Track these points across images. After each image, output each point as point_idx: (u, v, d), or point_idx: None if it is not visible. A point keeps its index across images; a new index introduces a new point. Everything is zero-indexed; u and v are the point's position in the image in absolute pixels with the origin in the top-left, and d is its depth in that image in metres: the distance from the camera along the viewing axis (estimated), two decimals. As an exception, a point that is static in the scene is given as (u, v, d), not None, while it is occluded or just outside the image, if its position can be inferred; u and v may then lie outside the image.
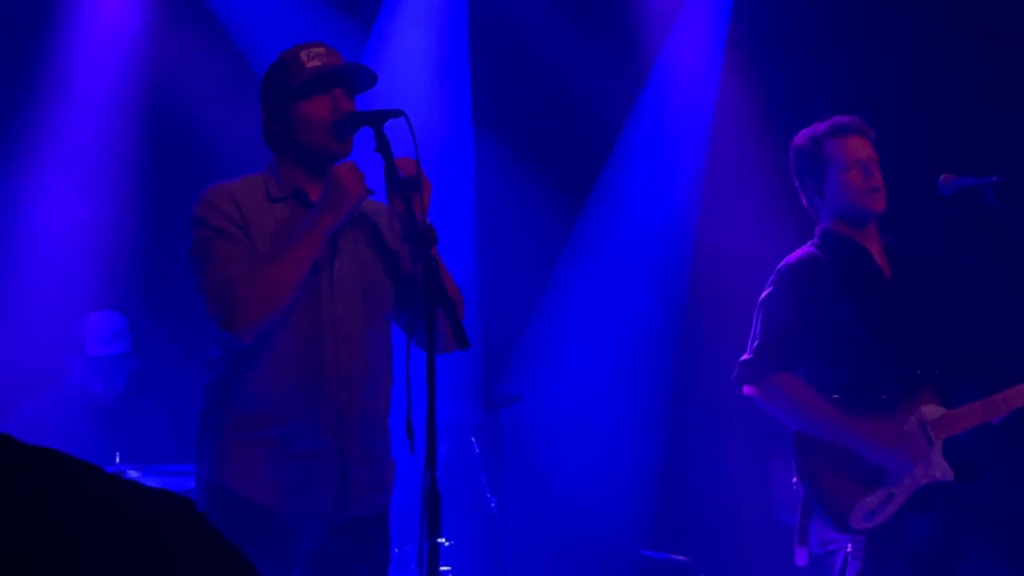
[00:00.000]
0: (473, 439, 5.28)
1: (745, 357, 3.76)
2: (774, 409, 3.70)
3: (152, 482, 3.77)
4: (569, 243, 6.25)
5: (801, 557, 3.65)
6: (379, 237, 3.06)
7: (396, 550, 4.51)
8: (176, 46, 5.51)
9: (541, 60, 6.09)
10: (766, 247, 5.81)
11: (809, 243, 3.82)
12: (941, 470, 3.61)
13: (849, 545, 3.60)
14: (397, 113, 2.87)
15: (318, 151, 2.97)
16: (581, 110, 6.13)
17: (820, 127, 3.84)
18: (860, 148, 3.77)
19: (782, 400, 3.67)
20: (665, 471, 6.04)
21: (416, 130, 2.82)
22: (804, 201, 3.88)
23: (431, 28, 6.00)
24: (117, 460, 4.42)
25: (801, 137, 3.86)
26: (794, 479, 3.71)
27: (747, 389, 3.76)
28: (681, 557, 5.37)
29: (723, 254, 5.96)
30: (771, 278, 3.78)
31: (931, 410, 3.66)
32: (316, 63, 3.00)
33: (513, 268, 6.15)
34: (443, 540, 4.67)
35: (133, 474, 4.22)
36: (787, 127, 5.93)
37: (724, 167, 6.06)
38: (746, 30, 5.99)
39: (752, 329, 3.76)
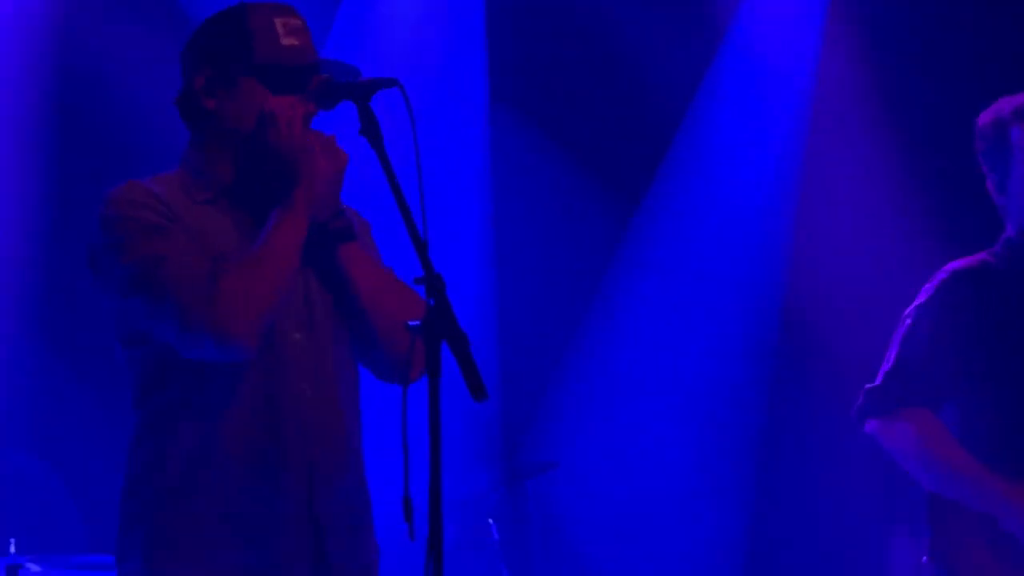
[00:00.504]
0: (491, 520, 5.34)
1: (873, 384, 3.79)
2: (900, 454, 3.72)
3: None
4: (616, 260, 6.33)
5: None
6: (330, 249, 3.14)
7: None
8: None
9: (577, 16, 6.16)
10: (887, 261, 5.89)
11: (986, 251, 3.85)
12: None
13: None
14: (389, 82, 2.91)
15: (278, 152, 3.00)
16: (633, 83, 6.19)
17: (1006, 106, 3.84)
18: None
19: (910, 444, 3.70)
20: (750, 557, 6.08)
21: (415, 105, 2.87)
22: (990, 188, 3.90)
23: None
24: (12, 550, 4.42)
25: (985, 116, 3.87)
26: (924, 558, 3.74)
27: (870, 425, 3.78)
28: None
29: (829, 273, 6.02)
30: (926, 287, 3.81)
31: None
32: (294, 41, 3.05)
33: (541, 293, 6.21)
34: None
35: (34, 568, 4.22)
36: (914, 98, 5.97)
37: (827, 156, 6.12)
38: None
39: (888, 350, 3.79)
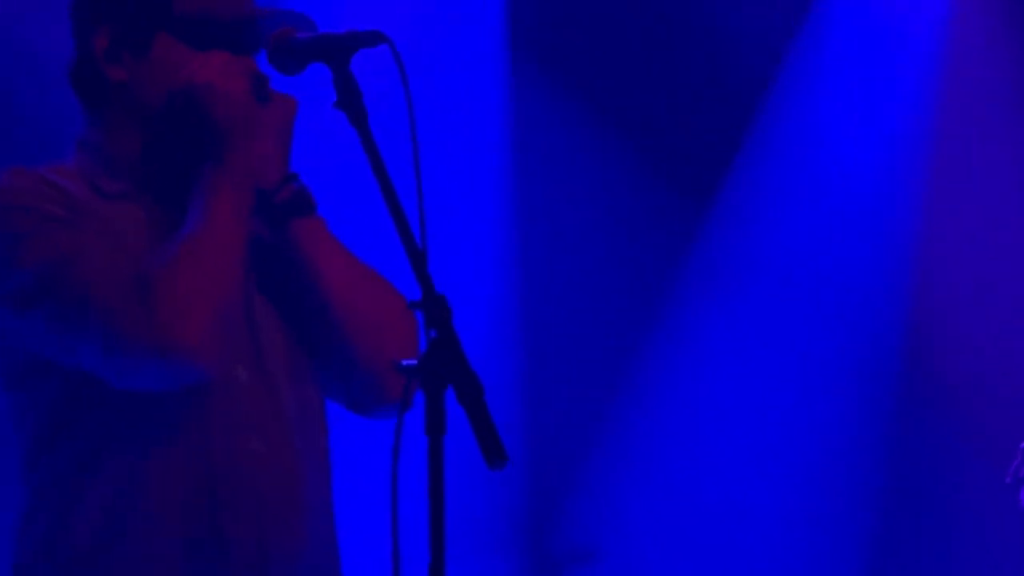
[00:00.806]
0: None
1: None
2: None
3: None
4: (677, 276, 6.37)
5: None
6: (275, 255, 3.15)
7: None
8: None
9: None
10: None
11: None
12: None
13: None
14: (374, 38, 2.93)
15: (214, 131, 2.99)
16: (701, 45, 6.26)
17: None
18: None
19: None
20: None
21: (408, 66, 2.88)
22: None
23: None
24: None
25: None
26: None
27: None
28: None
29: (963, 284, 6.07)
30: None
31: None
32: None
33: (578, 320, 6.25)
34: None
35: None
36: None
37: (960, 138, 6.17)
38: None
39: None
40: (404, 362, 2.78)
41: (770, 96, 6.33)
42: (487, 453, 2.69)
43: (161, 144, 3.06)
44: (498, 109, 6.17)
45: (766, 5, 6.27)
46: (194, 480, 2.98)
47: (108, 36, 3.06)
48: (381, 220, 3.00)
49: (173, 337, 2.86)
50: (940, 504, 6.06)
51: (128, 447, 2.96)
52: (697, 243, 6.36)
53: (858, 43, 6.29)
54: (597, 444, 6.30)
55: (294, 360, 3.12)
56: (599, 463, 6.29)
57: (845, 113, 6.27)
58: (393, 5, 5.82)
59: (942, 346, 6.10)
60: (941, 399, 6.07)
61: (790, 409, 6.23)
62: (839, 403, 6.22)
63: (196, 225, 2.95)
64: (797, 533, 6.21)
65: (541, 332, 6.18)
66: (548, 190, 6.22)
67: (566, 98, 6.23)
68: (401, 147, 2.99)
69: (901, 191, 6.21)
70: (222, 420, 3.00)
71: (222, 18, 3.05)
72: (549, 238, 6.22)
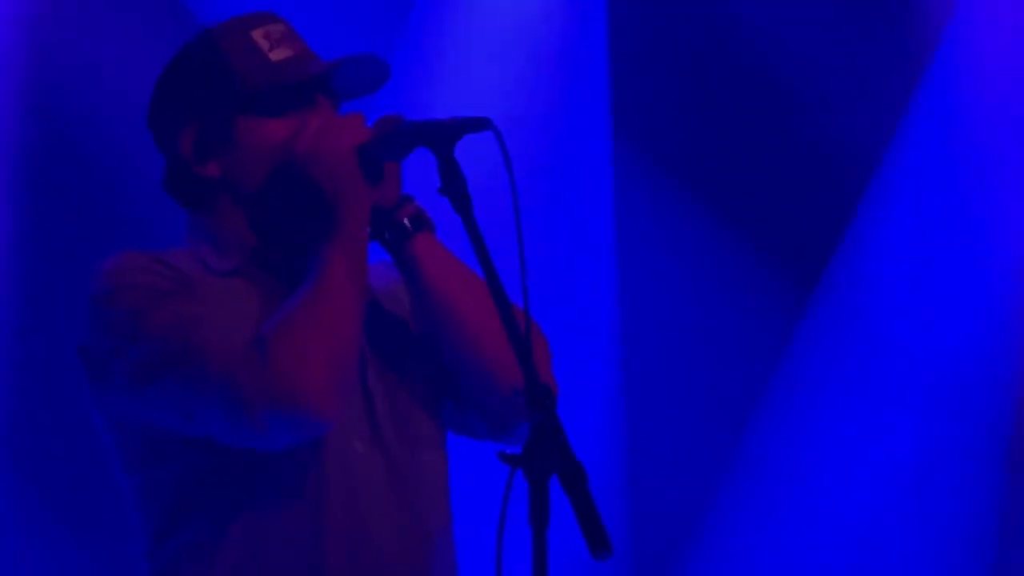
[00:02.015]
0: None
1: None
2: None
3: None
4: (782, 359, 6.35)
5: None
6: (398, 323, 3.20)
7: None
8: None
9: (732, 37, 6.25)
10: None
11: None
12: None
13: None
14: (480, 124, 2.93)
15: (318, 168, 3.00)
16: (807, 124, 6.25)
17: None
18: None
19: None
20: None
21: (511, 151, 2.87)
22: None
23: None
24: None
25: None
26: None
27: None
28: None
29: None
30: None
31: None
32: (286, 53, 3.10)
33: (680, 402, 6.23)
34: None
35: None
36: None
37: None
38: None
39: None
40: (508, 451, 2.77)
41: (877, 178, 6.32)
42: (592, 543, 2.65)
43: (269, 220, 3.09)
44: (603, 192, 6.18)
45: (878, 86, 6.26)
46: (317, 552, 2.99)
47: (191, 138, 3.09)
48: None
49: (291, 388, 2.87)
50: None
51: (252, 523, 2.99)
52: (804, 323, 6.36)
53: (972, 118, 6.27)
54: (703, 529, 6.29)
55: (409, 426, 3.12)
56: (705, 550, 6.28)
57: (952, 197, 6.25)
58: (498, 86, 5.88)
59: None
60: None
61: (905, 487, 6.23)
62: (951, 483, 6.19)
63: (311, 286, 2.96)
64: None
65: (645, 416, 6.18)
66: (652, 272, 6.21)
67: (669, 181, 6.24)
68: (505, 227, 2.97)
69: (1012, 271, 6.21)
70: (339, 494, 3.01)
71: (290, 80, 3.06)
72: (653, 320, 6.22)
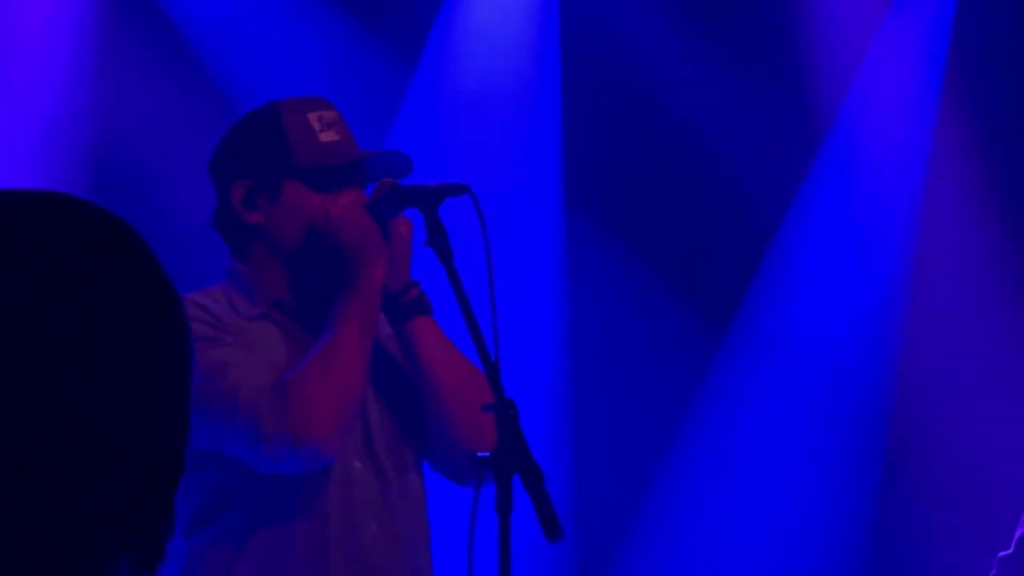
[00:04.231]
0: None
1: (1006, 553, 3.80)
2: None
3: None
4: (707, 383, 6.27)
5: None
6: (396, 365, 3.20)
7: None
8: (125, 68, 5.64)
9: (665, 114, 6.17)
10: (1009, 370, 5.84)
11: None
12: None
13: None
14: (460, 189, 3.02)
15: (347, 234, 3.05)
16: (724, 186, 6.18)
17: None
18: None
19: None
20: None
21: (486, 213, 2.98)
22: None
23: (505, 64, 6.11)
24: None
25: None
26: None
27: None
28: None
29: (946, 400, 5.96)
30: None
31: None
32: (334, 136, 3.14)
33: (624, 418, 6.16)
34: None
35: None
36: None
37: (942, 267, 6.09)
38: (970, 64, 6.05)
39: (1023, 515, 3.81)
40: (480, 455, 2.84)
41: (777, 236, 6.26)
42: (547, 529, 2.73)
43: (300, 271, 3.11)
44: (555, 251, 6.15)
45: (782, 154, 6.18)
46: (320, 553, 3.02)
47: (244, 188, 3.13)
48: (462, 337, 3.04)
49: (305, 434, 2.92)
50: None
51: (269, 526, 3.02)
52: (719, 359, 6.27)
53: (854, 191, 6.25)
54: (637, 521, 6.21)
55: (398, 452, 3.14)
56: (639, 539, 6.20)
57: (841, 254, 6.23)
58: (462, 162, 5.83)
59: (922, 462, 6.03)
60: (920, 508, 6.00)
61: (792, 499, 6.14)
62: (832, 495, 6.14)
63: (327, 341, 2.99)
64: None
65: (591, 426, 6.11)
66: (598, 302, 6.14)
67: (610, 233, 6.19)
68: (478, 274, 3.01)
69: (887, 324, 6.15)
70: (340, 504, 3.05)
71: (336, 163, 3.10)
72: (598, 343, 6.15)
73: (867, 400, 6.15)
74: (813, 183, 6.26)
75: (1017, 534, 3.77)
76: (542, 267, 6.14)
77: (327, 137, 3.13)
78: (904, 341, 6.12)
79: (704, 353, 6.27)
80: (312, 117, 3.14)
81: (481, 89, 6.08)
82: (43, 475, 1.15)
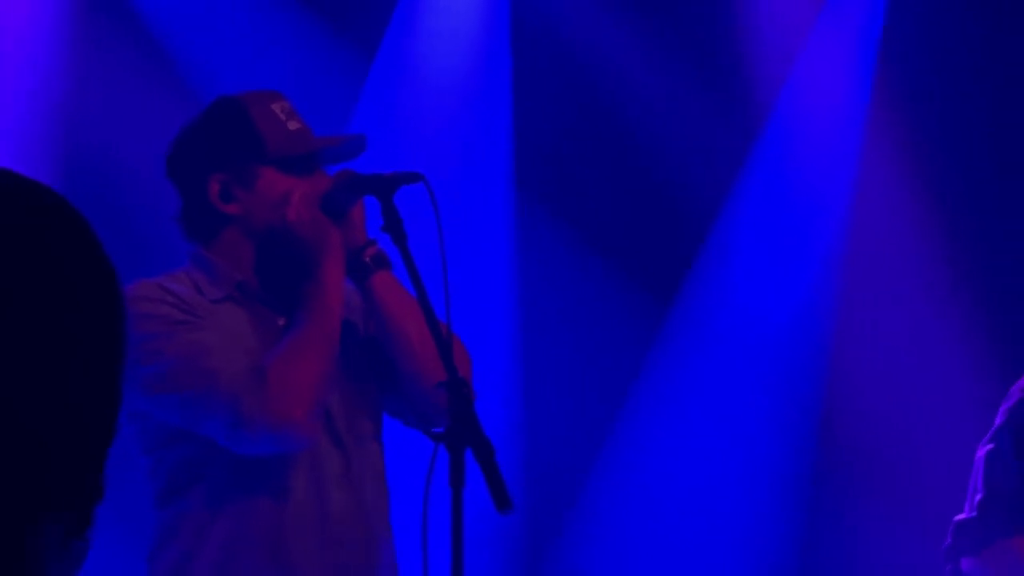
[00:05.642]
0: None
1: (964, 517, 3.75)
2: None
3: None
4: (649, 363, 6.28)
5: None
6: (349, 327, 3.18)
7: None
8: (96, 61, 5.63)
9: (611, 109, 6.21)
10: (935, 364, 5.88)
11: None
12: None
13: None
14: (414, 177, 3.02)
15: (303, 232, 3.06)
16: (667, 176, 6.21)
17: None
18: None
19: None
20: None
21: (439, 201, 2.99)
22: None
23: (458, 57, 6.15)
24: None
25: None
26: None
27: (967, 564, 3.72)
28: None
29: (873, 378, 5.99)
30: (1003, 407, 3.77)
31: None
32: (298, 125, 3.16)
33: (571, 396, 6.17)
34: None
35: None
36: (959, 198, 5.99)
37: (870, 255, 6.12)
38: (901, 65, 6.09)
39: (972, 478, 3.75)
40: (435, 431, 2.84)
41: (716, 222, 6.29)
42: (498, 502, 2.73)
43: (270, 256, 3.13)
44: (506, 236, 6.19)
45: (721, 144, 6.22)
46: (288, 521, 3.03)
47: (220, 182, 3.12)
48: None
49: (286, 418, 2.92)
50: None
51: (239, 498, 3.02)
52: (660, 337, 6.30)
53: (788, 180, 6.29)
54: (583, 492, 6.23)
55: (357, 423, 3.16)
56: (585, 508, 6.22)
57: (776, 238, 6.26)
58: (418, 152, 5.84)
59: (853, 433, 6.06)
60: (849, 473, 6.04)
61: (732, 476, 6.17)
62: (764, 465, 6.15)
63: (300, 328, 3.01)
64: (731, 561, 6.15)
65: (540, 403, 6.13)
66: (548, 290, 6.17)
67: (558, 218, 6.22)
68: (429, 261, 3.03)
69: (819, 303, 6.18)
70: (306, 475, 3.06)
71: (305, 149, 3.12)
72: (548, 328, 6.17)
73: (800, 379, 6.17)
74: (750, 174, 6.29)
75: (970, 499, 3.73)
76: (493, 252, 6.15)
77: (293, 126, 3.13)
78: (836, 325, 6.15)
79: (648, 334, 6.28)
80: (275, 108, 3.14)
81: (435, 84, 6.11)
82: None
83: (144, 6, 5.77)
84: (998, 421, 3.75)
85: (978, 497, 3.70)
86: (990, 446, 3.72)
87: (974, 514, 3.70)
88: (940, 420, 5.50)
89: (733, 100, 6.21)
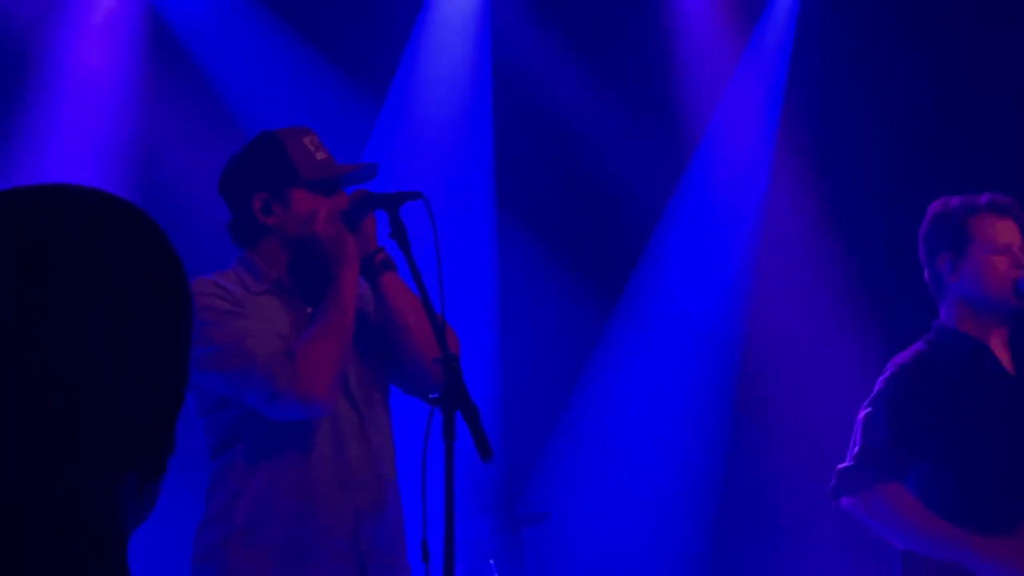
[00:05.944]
0: (492, 562, 5.26)
1: (845, 465, 3.76)
2: (878, 524, 3.69)
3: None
4: (602, 343, 6.29)
5: None
6: (362, 317, 3.19)
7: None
8: (166, 118, 5.64)
9: (571, 137, 6.21)
10: (829, 345, 5.87)
11: (923, 339, 3.85)
12: None
13: None
14: (415, 195, 3.01)
15: (328, 243, 3.10)
16: (616, 192, 6.21)
17: (969, 199, 3.81)
18: (1011, 233, 3.75)
19: (888, 513, 3.67)
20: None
21: (435, 213, 2.96)
22: (927, 277, 3.88)
23: (450, 100, 6.14)
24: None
25: (942, 206, 3.85)
26: None
27: (846, 502, 3.75)
28: None
29: (780, 355, 6.01)
30: (879, 379, 3.80)
31: None
32: (324, 155, 3.16)
33: (540, 369, 6.18)
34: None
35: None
36: (851, 209, 6.02)
37: (779, 256, 6.13)
38: (805, 101, 6.09)
39: (854, 435, 3.78)
40: (431, 395, 2.88)
41: (654, 232, 6.29)
42: (481, 452, 2.74)
43: (301, 260, 3.13)
44: (488, 243, 6.17)
45: (659, 163, 6.20)
46: (316, 471, 3.03)
47: (261, 200, 3.14)
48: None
49: (310, 392, 2.93)
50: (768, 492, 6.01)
51: (273, 451, 3.03)
52: (613, 326, 6.31)
53: (713, 200, 6.28)
54: (551, 447, 6.25)
55: (369, 392, 3.15)
56: (551, 459, 6.23)
57: (698, 257, 6.24)
58: (419, 175, 5.80)
59: (761, 412, 6.08)
60: (763, 459, 6.02)
61: (668, 438, 6.16)
62: (700, 424, 6.16)
63: (324, 319, 3.01)
64: (671, 504, 6.12)
65: (516, 375, 6.13)
66: (522, 294, 6.17)
67: (532, 228, 6.21)
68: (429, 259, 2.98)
69: (735, 302, 6.17)
70: (329, 431, 3.07)
71: (330, 174, 3.10)
72: (522, 317, 6.18)
73: (722, 354, 6.17)
74: (682, 191, 6.28)
75: (850, 452, 3.77)
76: (478, 256, 6.14)
77: (320, 156, 3.14)
78: (750, 312, 6.15)
79: (601, 318, 6.30)
80: (306, 141, 3.14)
81: (432, 122, 6.10)
82: (49, 407, 1.12)
83: (200, 60, 5.79)
84: (875, 389, 3.80)
85: (855, 450, 3.75)
86: (868, 410, 3.77)
87: (852, 463, 3.74)
88: (833, 390, 5.44)
89: (670, 132, 6.20)
